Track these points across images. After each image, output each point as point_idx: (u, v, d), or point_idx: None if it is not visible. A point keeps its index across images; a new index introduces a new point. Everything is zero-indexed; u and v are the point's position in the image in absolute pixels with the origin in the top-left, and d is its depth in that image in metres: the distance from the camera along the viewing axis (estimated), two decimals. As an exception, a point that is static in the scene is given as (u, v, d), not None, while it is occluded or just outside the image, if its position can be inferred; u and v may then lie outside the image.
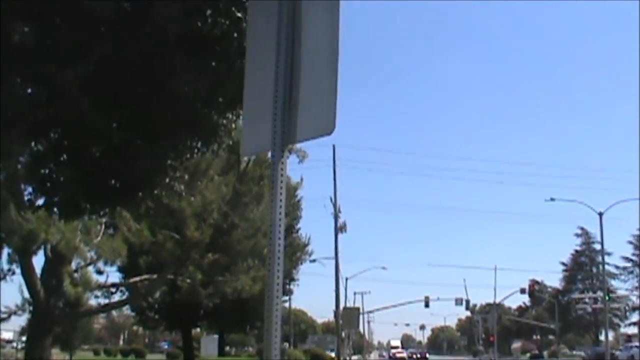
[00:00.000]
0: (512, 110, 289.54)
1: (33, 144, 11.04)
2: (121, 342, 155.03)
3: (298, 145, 30.45)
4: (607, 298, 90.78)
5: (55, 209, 12.73)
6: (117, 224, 26.76)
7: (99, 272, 27.61)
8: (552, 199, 68.33)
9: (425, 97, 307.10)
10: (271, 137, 5.09)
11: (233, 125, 11.87)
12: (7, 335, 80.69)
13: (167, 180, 11.99)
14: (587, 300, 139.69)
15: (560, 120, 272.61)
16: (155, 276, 30.22)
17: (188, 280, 31.15)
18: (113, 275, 43.42)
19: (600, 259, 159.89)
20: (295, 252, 49.53)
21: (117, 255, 24.06)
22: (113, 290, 31.27)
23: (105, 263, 25.41)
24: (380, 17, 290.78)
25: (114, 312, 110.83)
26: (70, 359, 57.21)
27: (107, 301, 31.82)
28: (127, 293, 36.66)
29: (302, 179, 30.93)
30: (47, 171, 11.31)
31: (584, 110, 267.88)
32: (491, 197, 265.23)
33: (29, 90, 9.93)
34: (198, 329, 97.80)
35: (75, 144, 10.61)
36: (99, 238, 24.24)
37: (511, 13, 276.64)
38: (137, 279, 32.23)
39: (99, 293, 31.94)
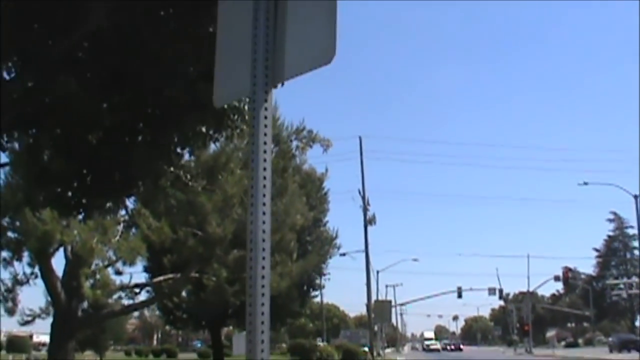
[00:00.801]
0: (542, 96, 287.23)
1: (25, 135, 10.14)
2: (154, 342, 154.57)
3: (322, 134, 29.48)
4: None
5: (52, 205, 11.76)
6: (137, 222, 25.97)
7: (118, 273, 26.70)
8: (585, 183, 67.08)
9: (452, 85, 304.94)
10: (250, 75, 4.00)
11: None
12: (44, 338, 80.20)
13: (172, 169, 10.84)
14: (622, 285, 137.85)
15: (590, 104, 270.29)
16: (179, 275, 29.32)
17: (213, 278, 30.17)
18: (139, 276, 42.52)
19: (634, 243, 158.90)
20: (324, 245, 48.41)
21: (136, 255, 23.16)
22: (137, 290, 30.32)
23: (125, 263, 24.47)
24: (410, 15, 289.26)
25: (146, 312, 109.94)
26: (101, 360, 56.80)
27: (131, 302, 30.96)
28: (153, 293, 36.09)
29: (327, 170, 30.12)
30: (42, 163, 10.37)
31: (615, 94, 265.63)
32: (522, 184, 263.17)
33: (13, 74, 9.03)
34: (229, 327, 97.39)
35: (67, 132, 9.57)
36: (117, 238, 23.35)
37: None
38: (161, 278, 31.36)
39: (122, 294, 31.16)
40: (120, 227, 24.84)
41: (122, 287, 28.96)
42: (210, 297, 34.22)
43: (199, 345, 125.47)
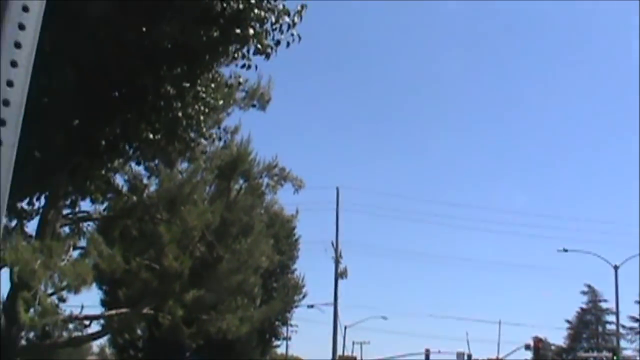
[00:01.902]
0: (519, 158, 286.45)
1: None
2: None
3: (294, 173, 28.03)
4: (615, 358, 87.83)
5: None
6: (87, 248, 24.40)
7: (61, 300, 24.97)
8: (565, 250, 65.83)
9: (432, 143, 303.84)
10: None
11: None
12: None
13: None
14: (592, 359, 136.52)
15: (569, 171, 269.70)
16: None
17: (169, 317, 28.42)
18: (96, 309, 40.61)
19: (607, 318, 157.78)
20: (289, 292, 46.76)
21: (81, 282, 21.40)
22: (87, 323, 28.44)
23: (70, 290, 22.67)
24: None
25: (107, 350, 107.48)
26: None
27: (79, 334, 29.20)
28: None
29: (297, 212, 28.36)
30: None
31: (593, 161, 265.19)
32: (499, 247, 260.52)
33: None
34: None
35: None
36: (64, 262, 21.62)
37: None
38: (113, 312, 29.61)
39: (71, 325, 29.44)
40: (70, 252, 23.19)
41: (71, 318, 27.23)
42: (165, 336, 32.47)
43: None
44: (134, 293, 27.11)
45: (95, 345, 62.03)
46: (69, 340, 29.13)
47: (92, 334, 28.54)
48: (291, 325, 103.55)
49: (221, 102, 13.50)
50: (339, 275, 68.19)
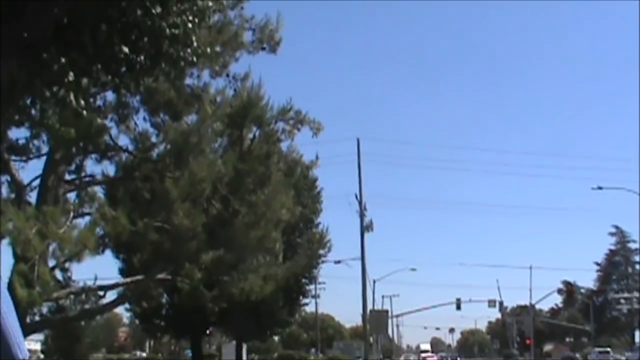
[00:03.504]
0: (546, 100, 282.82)
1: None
2: (147, 351, 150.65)
3: (311, 116, 25.78)
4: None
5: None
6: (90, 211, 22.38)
7: (64, 270, 22.89)
8: (599, 188, 63.28)
9: (455, 87, 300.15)
10: None
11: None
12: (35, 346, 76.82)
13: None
14: (622, 300, 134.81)
15: (597, 109, 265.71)
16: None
17: (187, 281, 26.37)
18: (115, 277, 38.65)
19: (636, 258, 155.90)
20: (313, 246, 44.54)
21: (82, 249, 19.33)
22: (101, 293, 26.40)
23: (71, 259, 20.58)
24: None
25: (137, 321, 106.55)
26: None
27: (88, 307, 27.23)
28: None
29: (317, 157, 26.03)
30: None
31: (621, 99, 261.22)
32: (523, 191, 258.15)
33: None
34: (224, 337, 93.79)
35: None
36: (63, 229, 19.51)
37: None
38: (127, 280, 27.65)
39: (84, 297, 27.48)
40: (70, 217, 21.12)
41: (83, 290, 25.27)
42: (186, 302, 30.51)
43: (190, 354, 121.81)
44: (147, 258, 25.14)
45: (126, 317, 60.38)
46: (80, 313, 27.20)
47: (106, 305, 26.51)
48: (319, 283, 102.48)
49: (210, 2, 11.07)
50: (365, 228, 66.36)
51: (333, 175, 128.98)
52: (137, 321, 50.32)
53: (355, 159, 67.81)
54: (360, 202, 66.75)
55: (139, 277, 26.24)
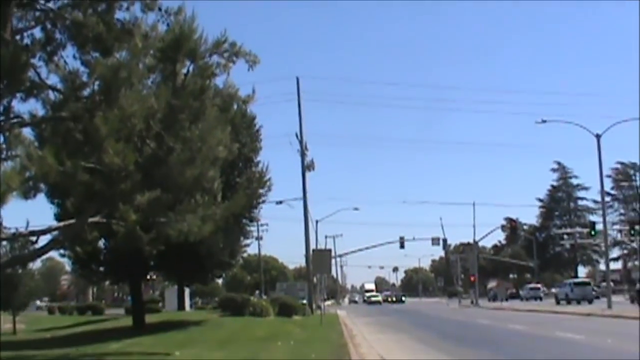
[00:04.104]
0: (486, 32, 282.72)
1: None
2: (90, 299, 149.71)
3: (247, 48, 24.71)
4: (592, 233, 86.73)
5: None
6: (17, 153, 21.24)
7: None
8: (543, 121, 63.06)
9: (390, 22, 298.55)
10: None
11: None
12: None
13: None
14: (565, 236, 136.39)
15: (548, 44, 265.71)
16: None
17: (122, 224, 25.38)
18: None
19: (577, 194, 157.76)
20: (252, 183, 43.57)
21: (6, 189, 18.28)
22: (33, 239, 25.32)
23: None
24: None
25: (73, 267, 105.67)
26: (14, 321, 51.99)
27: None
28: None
29: (254, 91, 24.86)
30: None
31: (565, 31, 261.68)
32: (467, 127, 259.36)
33: None
34: (166, 282, 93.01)
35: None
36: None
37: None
38: (60, 224, 26.62)
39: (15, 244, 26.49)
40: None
41: (14, 236, 24.25)
42: (121, 245, 29.50)
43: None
44: (79, 201, 24.13)
45: (68, 265, 59.20)
46: (10, 259, 26.21)
47: (37, 250, 25.44)
48: (261, 225, 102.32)
49: None
50: (306, 167, 65.94)
51: (273, 114, 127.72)
52: (73, 267, 48.98)
53: (295, 98, 67.18)
54: (300, 142, 66.38)
55: (72, 220, 25.28)
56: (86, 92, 23.80)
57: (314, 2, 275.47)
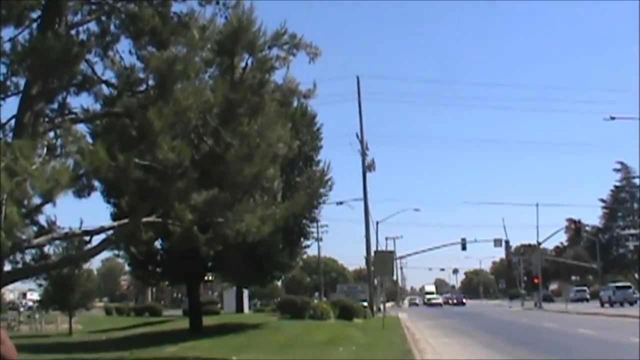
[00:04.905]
0: (548, 33, 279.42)
1: None
2: (149, 299, 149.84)
3: (307, 40, 23.65)
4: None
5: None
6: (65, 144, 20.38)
7: (35, 210, 20.92)
8: (612, 118, 61.05)
9: (452, 24, 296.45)
10: None
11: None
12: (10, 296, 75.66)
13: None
14: (629, 237, 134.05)
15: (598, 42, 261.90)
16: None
17: (178, 224, 24.47)
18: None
19: None
20: (313, 182, 42.42)
21: (55, 185, 17.31)
22: (87, 238, 24.49)
23: (42, 196, 18.56)
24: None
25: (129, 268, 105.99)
26: (70, 321, 51.74)
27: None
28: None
29: (315, 85, 23.70)
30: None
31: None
32: (528, 126, 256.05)
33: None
34: (221, 282, 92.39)
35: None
36: (35, 165, 17.50)
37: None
38: (114, 223, 25.73)
39: (66, 244, 25.75)
40: (44, 152, 19.16)
41: (67, 235, 23.46)
42: (177, 245, 28.61)
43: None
44: (133, 199, 23.22)
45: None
46: (62, 260, 25.41)
47: (89, 251, 24.62)
48: (321, 226, 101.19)
49: None
50: (367, 168, 64.83)
51: (333, 114, 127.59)
52: (130, 268, 48.43)
53: (355, 98, 66.07)
54: (361, 142, 65.28)
55: (125, 220, 24.43)
56: (142, 87, 23.10)
57: (376, 2, 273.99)
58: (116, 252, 40.22)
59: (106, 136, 22.56)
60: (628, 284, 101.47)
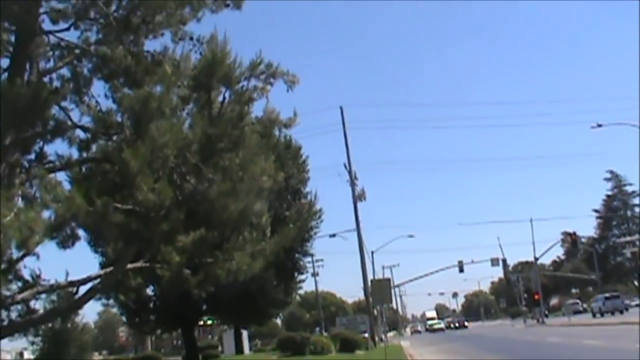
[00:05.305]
0: (532, 48, 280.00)
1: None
2: (149, 348, 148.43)
3: (284, 67, 23.09)
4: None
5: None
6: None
7: (15, 263, 20.31)
8: (598, 125, 60.31)
9: (431, 44, 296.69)
10: None
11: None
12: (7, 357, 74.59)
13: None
14: (626, 245, 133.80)
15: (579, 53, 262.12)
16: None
17: (166, 267, 23.73)
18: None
19: (634, 201, 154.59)
20: (302, 215, 41.74)
21: (29, 233, 16.63)
22: (73, 290, 23.73)
23: (18, 246, 17.86)
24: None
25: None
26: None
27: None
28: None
29: (295, 114, 22.97)
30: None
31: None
32: (515, 142, 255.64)
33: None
34: (221, 325, 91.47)
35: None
36: (9, 217, 16.80)
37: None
38: (101, 272, 24.94)
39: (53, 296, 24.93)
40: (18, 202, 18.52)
41: (52, 287, 22.80)
42: (168, 290, 27.85)
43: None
44: (114, 244, 22.56)
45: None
46: (48, 313, 24.60)
47: (76, 302, 23.83)
48: (316, 260, 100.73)
49: None
50: (357, 197, 64.03)
51: (319, 146, 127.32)
52: (123, 318, 47.53)
53: (340, 128, 65.44)
54: (349, 171, 64.39)
55: (111, 268, 23.73)
56: (119, 131, 22.53)
57: (350, 33, 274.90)
58: (105, 301, 39.25)
59: (86, 183, 22.01)
60: (616, 294, 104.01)
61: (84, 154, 23.37)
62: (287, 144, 41.70)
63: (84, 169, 24.19)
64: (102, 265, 33.85)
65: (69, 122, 22.87)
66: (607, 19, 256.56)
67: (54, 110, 22.21)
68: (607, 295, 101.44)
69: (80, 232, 24.17)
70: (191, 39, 23.67)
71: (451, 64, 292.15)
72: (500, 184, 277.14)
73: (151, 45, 23.10)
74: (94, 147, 23.08)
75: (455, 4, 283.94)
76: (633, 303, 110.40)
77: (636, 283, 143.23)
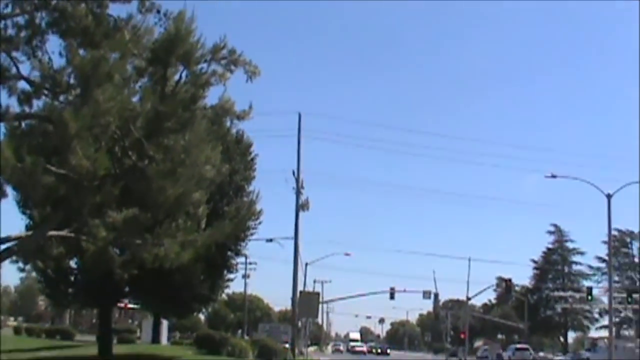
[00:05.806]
0: (487, 84, 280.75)
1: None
2: (68, 322, 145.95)
3: (247, 57, 22.17)
4: (589, 298, 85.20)
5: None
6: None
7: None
8: (553, 176, 60.02)
9: (398, 68, 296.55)
10: None
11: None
12: None
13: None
14: (558, 300, 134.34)
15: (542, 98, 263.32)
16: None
17: (92, 241, 22.69)
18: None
19: (573, 258, 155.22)
20: (240, 213, 40.59)
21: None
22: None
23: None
24: None
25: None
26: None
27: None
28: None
29: (251, 107, 21.98)
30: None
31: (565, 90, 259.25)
32: (466, 179, 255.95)
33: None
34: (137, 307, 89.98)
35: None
36: None
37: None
38: (21, 234, 23.81)
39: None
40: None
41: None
42: (91, 266, 26.76)
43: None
44: (40, 207, 21.47)
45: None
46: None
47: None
48: (250, 263, 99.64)
49: None
50: (301, 207, 63.13)
51: (271, 148, 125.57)
52: (39, 286, 45.95)
53: (295, 134, 64.50)
54: (297, 179, 63.48)
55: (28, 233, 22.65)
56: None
57: (324, 40, 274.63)
58: (22, 265, 37.61)
59: (23, 139, 20.90)
60: (526, 346, 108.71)
61: (26, 109, 22.11)
62: (238, 139, 40.70)
63: (24, 125, 22.96)
64: (27, 229, 32.49)
65: (14, 72, 21.61)
66: (572, 74, 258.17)
67: (2, 57, 20.99)
68: (517, 346, 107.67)
69: (9, 191, 23.07)
70: (158, 12, 22.44)
71: (408, 90, 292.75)
72: (443, 217, 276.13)
73: (116, 10, 21.91)
74: (35, 104, 21.83)
75: (419, 22, 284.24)
76: (557, 358, 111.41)
77: (561, 338, 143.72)
